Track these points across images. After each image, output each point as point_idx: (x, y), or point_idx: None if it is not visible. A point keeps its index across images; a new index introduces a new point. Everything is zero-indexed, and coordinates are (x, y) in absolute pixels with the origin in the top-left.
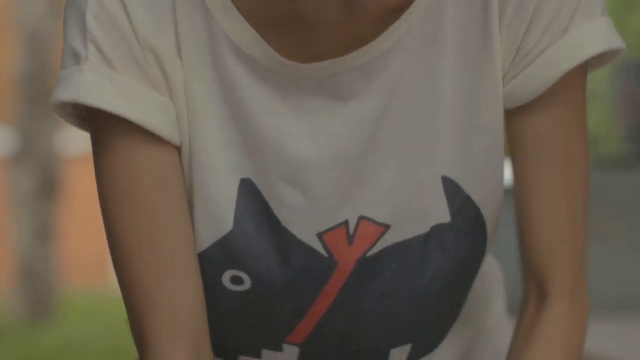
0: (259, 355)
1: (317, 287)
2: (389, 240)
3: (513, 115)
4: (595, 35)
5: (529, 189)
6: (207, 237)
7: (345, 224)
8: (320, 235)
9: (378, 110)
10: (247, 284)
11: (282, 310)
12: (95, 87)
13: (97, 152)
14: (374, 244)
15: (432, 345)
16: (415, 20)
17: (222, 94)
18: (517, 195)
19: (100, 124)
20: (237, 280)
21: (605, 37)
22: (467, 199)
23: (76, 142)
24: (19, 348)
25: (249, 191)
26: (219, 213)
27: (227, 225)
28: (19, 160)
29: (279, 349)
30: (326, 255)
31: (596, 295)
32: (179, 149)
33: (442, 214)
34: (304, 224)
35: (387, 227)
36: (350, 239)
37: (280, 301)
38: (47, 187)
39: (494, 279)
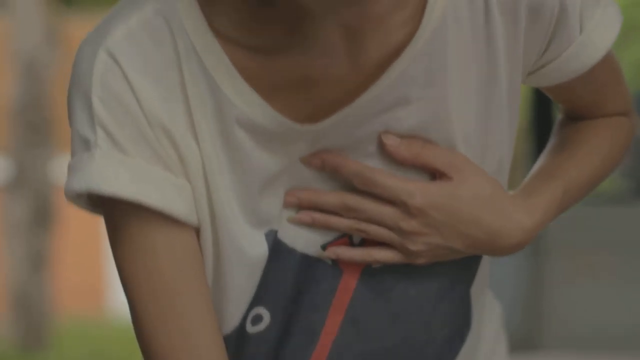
0: None
1: (326, 299)
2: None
3: (549, 89)
4: (612, 18)
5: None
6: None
7: (349, 235)
8: (324, 247)
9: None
10: (266, 319)
11: (296, 336)
12: (107, 174)
13: (113, 238)
14: None
15: None
16: (416, 52)
17: (231, 164)
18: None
19: (114, 210)
20: (257, 319)
21: (618, 19)
22: None
23: None
24: None
25: (270, 239)
26: (252, 263)
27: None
28: (13, 189)
29: None
30: (330, 263)
31: (589, 331)
32: (196, 227)
33: None
34: (309, 239)
35: None
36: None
37: (295, 326)
38: (41, 215)
39: (499, 322)
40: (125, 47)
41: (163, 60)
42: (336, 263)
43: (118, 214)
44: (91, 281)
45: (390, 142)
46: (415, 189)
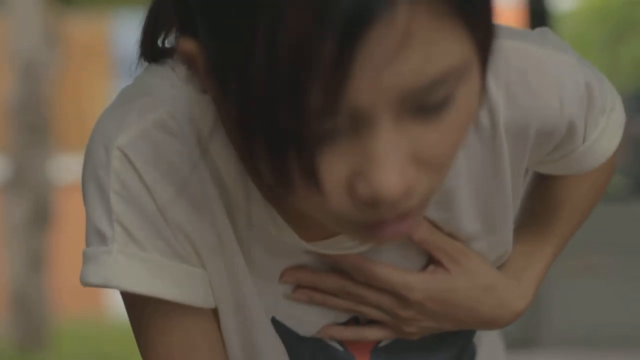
0: None
1: None
2: None
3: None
4: (615, 125)
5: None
6: None
7: (354, 318)
8: None
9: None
10: None
11: None
12: (126, 270)
13: (132, 318)
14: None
15: None
16: None
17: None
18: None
19: (133, 300)
20: None
21: (621, 124)
22: None
23: (69, 170)
24: None
25: (276, 325)
26: (272, 351)
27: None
28: (12, 189)
29: None
30: (341, 349)
31: (586, 330)
32: (214, 308)
33: None
34: (316, 326)
35: None
36: None
37: None
38: (40, 215)
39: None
40: (139, 147)
41: (178, 162)
42: (346, 348)
43: (136, 304)
44: None
45: None
46: (414, 283)
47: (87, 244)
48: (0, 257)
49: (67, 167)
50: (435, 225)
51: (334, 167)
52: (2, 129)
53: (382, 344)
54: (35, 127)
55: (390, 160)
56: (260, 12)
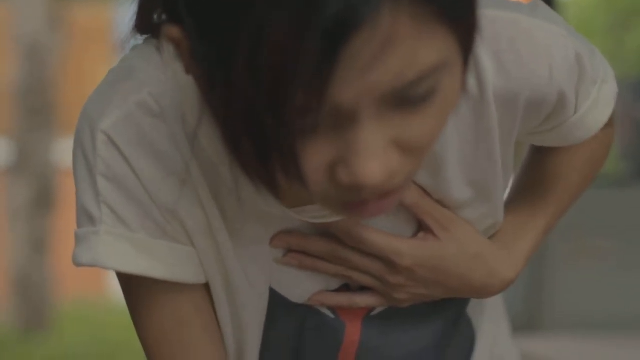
0: None
1: (332, 350)
2: None
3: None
4: (607, 98)
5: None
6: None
7: (345, 286)
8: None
9: None
10: None
11: None
12: (113, 250)
13: (125, 294)
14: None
15: None
16: None
17: (229, 228)
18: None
19: (126, 279)
20: None
21: (613, 96)
22: None
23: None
24: (15, 359)
25: (272, 295)
26: (255, 316)
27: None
28: (15, 172)
29: None
30: (332, 316)
31: (588, 313)
32: (205, 283)
33: None
34: (308, 293)
35: None
36: None
37: None
38: (43, 198)
39: (497, 308)
40: (123, 130)
41: (163, 142)
42: (337, 315)
43: (127, 280)
44: None
45: None
46: (403, 249)
47: (78, 225)
48: (4, 240)
49: (70, 151)
50: (425, 192)
51: (316, 157)
52: (6, 112)
53: (374, 312)
54: (38, 111)
55: (371, 150)
56: (245, 13)
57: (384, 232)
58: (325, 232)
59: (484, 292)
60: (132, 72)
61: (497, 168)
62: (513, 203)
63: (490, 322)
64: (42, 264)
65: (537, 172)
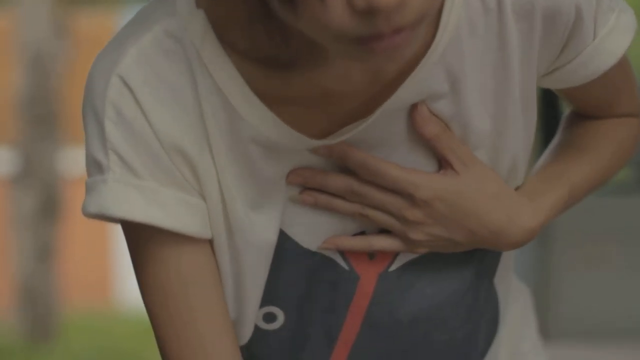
0: None
1: (343, 303)
2: (409, 254)
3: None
4: (626, 24)
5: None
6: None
7: (361, 234)
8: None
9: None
10: (280, 319)
11: (314, 340)
12: (120, 198)
13: (132, 253)
14: (395, 257)
15: None
16: (432, 63)
17: (243, 175)
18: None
19: (131, 229)
20: (270, 318)
21: (631, 28)
22: None
23: (78, 162)
24: None
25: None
26: (261, 261)
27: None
28: (20, 181)
29: None
30: (346, 267)
31: (596, 320)
32: (210, 240)
33: None
34: (323, 236)
35: None
36: (371, 253)
37: (312, 328)
38: (49, 207)
39: (526, 304)
40: (137, 70)
41: (176, 80)
42: (352, 267)
43: (133, 231)
44: (99, 274)
45: (421, 113)
46: (421, 181)
47: (87, 174)
48: (10, 249)
49: (75, 160)
50: (446, 125)
51: None
52: (11, 121)
53: (392, 268)
54: (43, 120)
55: None
56: None
57: (401, 166)
58: (342, 169)
59: (503, 238)
60: (144, 19)
61: (515, 96)
62: (541, 165)
63: (517, 308)
64: (47, 273)
65: (567, 137)
